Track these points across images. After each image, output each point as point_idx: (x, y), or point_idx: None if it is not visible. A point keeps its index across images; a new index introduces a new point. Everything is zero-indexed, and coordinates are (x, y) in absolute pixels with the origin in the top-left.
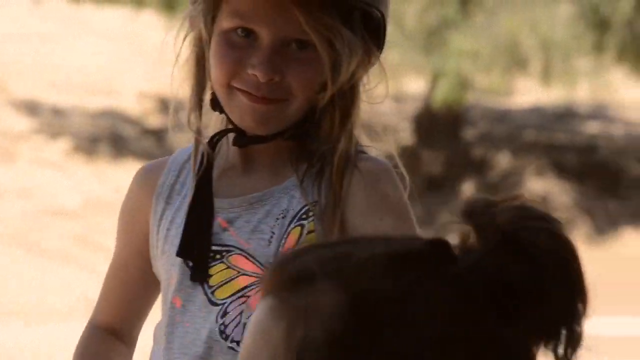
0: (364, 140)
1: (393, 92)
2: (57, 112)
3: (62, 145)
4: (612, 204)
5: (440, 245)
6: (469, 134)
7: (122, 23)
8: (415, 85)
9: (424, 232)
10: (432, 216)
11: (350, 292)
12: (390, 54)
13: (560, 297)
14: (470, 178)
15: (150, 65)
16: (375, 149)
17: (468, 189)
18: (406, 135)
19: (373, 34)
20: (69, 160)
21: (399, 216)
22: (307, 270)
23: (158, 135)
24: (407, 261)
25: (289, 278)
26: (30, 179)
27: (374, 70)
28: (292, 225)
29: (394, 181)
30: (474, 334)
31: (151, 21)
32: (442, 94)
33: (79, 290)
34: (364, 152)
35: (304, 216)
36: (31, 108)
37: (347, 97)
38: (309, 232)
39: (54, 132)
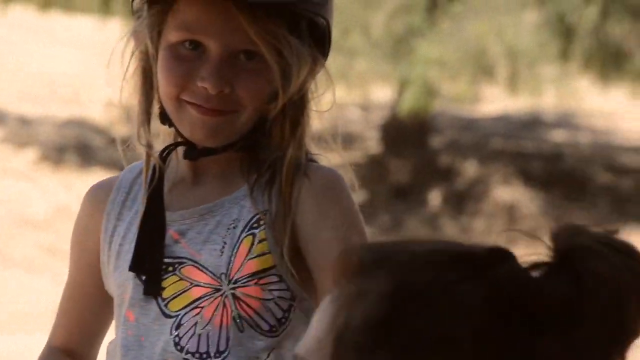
0: (312, 149)
1: (360, 100)
2: (24, 122)
3: (30, 154)
4: (578, 211)
5: (499, 252)
6: (436, 142)
7: (89, 31)
8: (382, 94)
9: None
10: (400, 224)
11: (395, 282)
12: (357, 62)
13: (596, 326)
14: (437, 186)
15: (117, 74)
16: (325, 157)
17: (435, 197)
18: (373, 143)
19: (318, 42)
20: (36, 169)
21: (350, 224)
22: (365, 261)
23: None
24: (457, 261)
25: (350, 268)
26: None
27: (320, 77)
28: (243, 235)
29: (345, 189)
30: (496, 338)
31: (118, 30)
32: (409, 102)
33: (47, 300)
34: (314, 161)
35: (255, 225)
36: None
37: (297, 106)
38: (260, 240)
39: (21, 142)
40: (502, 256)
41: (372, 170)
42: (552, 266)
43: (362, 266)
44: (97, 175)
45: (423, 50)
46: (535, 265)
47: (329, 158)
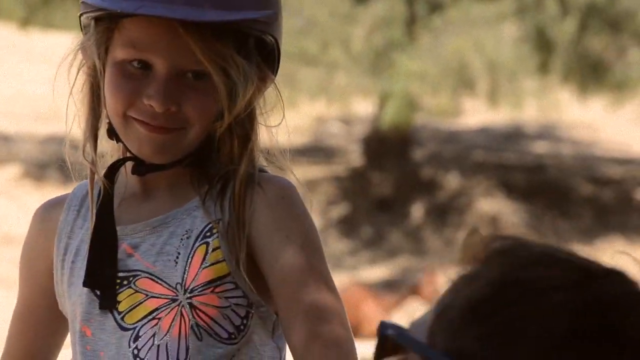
0: (262, 161)
1: (342, 114)
2: (5, 139)
3: (11, 171)
4: (561, 222)
5: (611, 272)
6: (418, 154)
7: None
8: (363, 107)
9: (373, 253)
10: (382, 237)
11: (503, 272)
12: (338, 76)
13: None
14: (419, 199)
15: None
16: (280, 168)
17: (418, 209)
18: (355, 156)
19: (268, 59)
20: (18, 186)
21: (304, 233)
22: (490, 250)
23: None
24: (567, 269)
25: (476, 254)
26: None
27: (270, 93)
28: (197, 244)
29: (298, 198)
30: (569, 348)
31: None
32: (391, 116)
33: None
34: (264, 171)
35: (208, 234)
36: None
37: (245, 122)
38: (214, 249)
39: (2, 159)
40: (612, 276)
41: (354, 183)
42: None
43: (486, 254)
44: None
45: (403, 64)
46: None
47: (281, 169)
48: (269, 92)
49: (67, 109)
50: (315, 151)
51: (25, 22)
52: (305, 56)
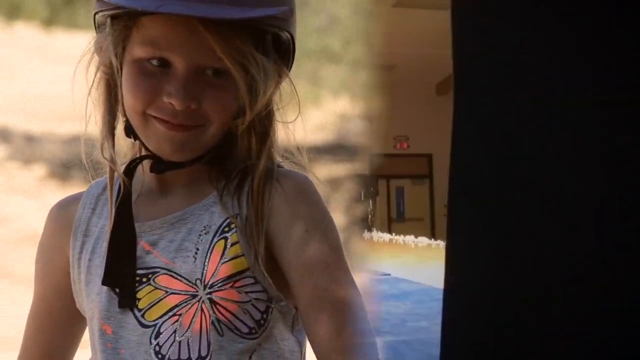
0: (278, 157)
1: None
2: (30, 139)
3: (36, 171)
4: None
5: None
6: None
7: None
8: None
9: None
10: None
11: None
12: (360, 74)
13: None
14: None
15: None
16: (297, 164)
17: None
18: None
19: (283, 55)
20: (42, 186)
21: (323, 226)
22: None
23: None
24: None
25: None
26: (4, 207)
27: (285, 89)
28: (215, 239)
29: (315, 192)
30: None
31: None
32: None
33: None
34: (280, 167)
35: (226, 229)
36: (3, 135)
37: (264, 119)
38: (233, 243)
39: (27, 159)
40: None
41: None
42: None
43: None
44: None
45: None
46: None
47: (297, 165)
48: (285, 88)
49: (86, 109)
50: (339, 149)
51: (49, 22)
52: (328, 53)
